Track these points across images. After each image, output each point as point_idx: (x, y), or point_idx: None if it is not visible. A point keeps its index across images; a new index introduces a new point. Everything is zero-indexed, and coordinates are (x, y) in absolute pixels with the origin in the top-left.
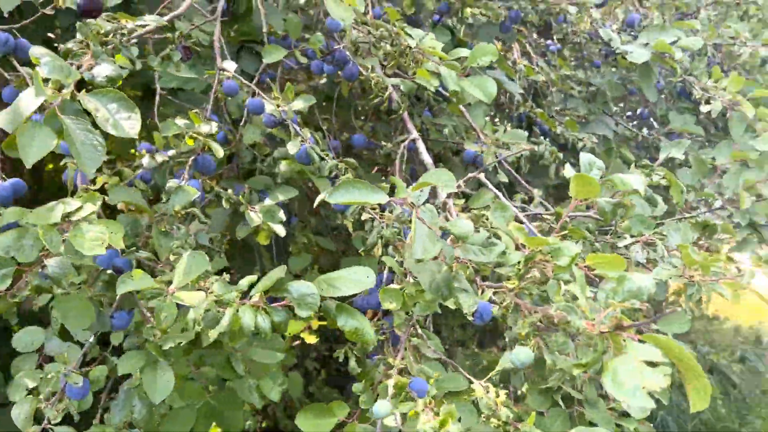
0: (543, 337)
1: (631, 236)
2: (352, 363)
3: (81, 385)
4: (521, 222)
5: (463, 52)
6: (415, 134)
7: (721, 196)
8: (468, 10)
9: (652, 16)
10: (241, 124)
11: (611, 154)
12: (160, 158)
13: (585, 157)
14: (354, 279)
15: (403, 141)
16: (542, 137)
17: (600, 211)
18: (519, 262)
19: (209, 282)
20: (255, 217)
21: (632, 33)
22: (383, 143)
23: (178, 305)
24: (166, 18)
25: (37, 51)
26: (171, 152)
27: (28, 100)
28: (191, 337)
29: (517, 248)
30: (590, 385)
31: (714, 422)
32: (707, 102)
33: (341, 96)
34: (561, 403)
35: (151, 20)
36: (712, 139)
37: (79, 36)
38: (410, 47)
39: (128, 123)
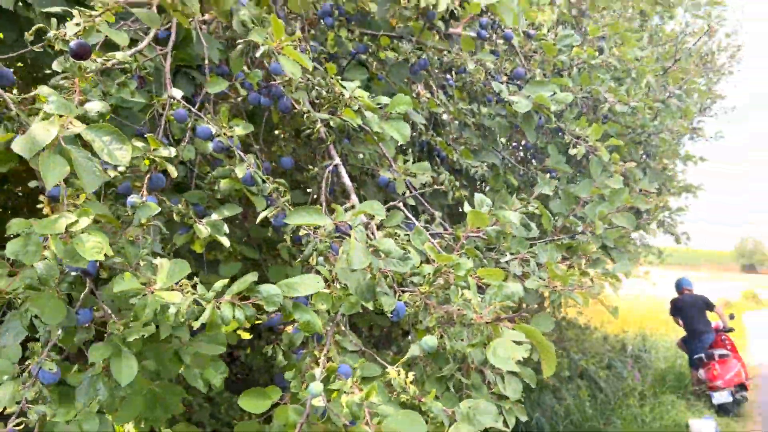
0: (444, 328)
1: (511, 254)
2: (280, 357)
3: (55, 371)
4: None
5: (385, 99)
6: (337, 160)
7: (583, 222)
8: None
9: (534, 71)
10: (184, 143)
11: (498, 179)
12: (112, 173)
13: (478, 197)
14: (309, 283)
15: (327, 166)
16: (440, 163)
17: (487, 236)
18: (430, 273)
19: (183, 284)
20: (203, 229)
21: (518, 83)
22: (310, 167)
23: None
24: (129, 53)
25: (45, 90)
26: (121, 168)
27: (43, 132)
28: (153, 330)
29: (427, 261)
30: (475, 374)
31: (582, 422)
32: (574, 146)
33: (268, 120)
34: (452, 388)
35: (119, 56)
36: (583, 171)
37: (56, 67)
38: (343, 95)
39: (120, 153)
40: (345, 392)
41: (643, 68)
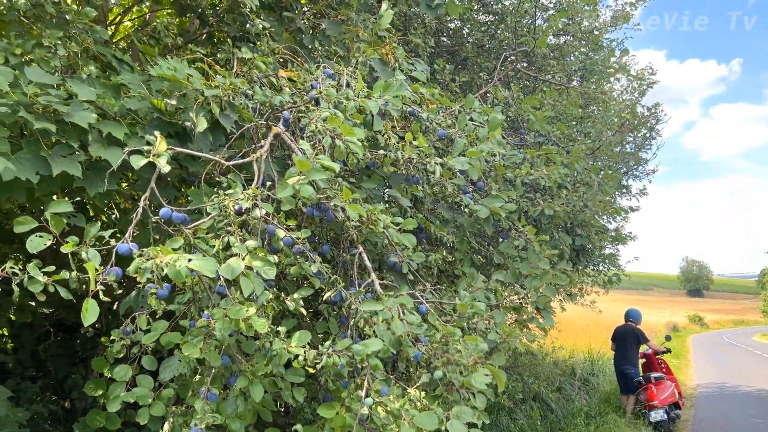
0: (446, 366)
1: (478, 316)
2: (330, 384)
3: (217, 394)
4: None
5: (399, 219)
6: (361, 249)
7: (524, 290)
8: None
9: (490, 184)
10: (266, 243)
11: (464, 243)
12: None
13: (462, 294)
14: (376, 344)
15: (354, 253)
16: (420, 232)
17: (468, 315)
18: (438, 337)
19: (297, 340)
20: (291, 303)
21: (480, 192)
22: (343, 254)
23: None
24: (246, 203)
25: (231, 239)
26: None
27: (236, 264)
28: (271, 369)
29: (435, 327)
30: (456, 393)
31: None
32: (517, 238)
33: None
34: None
35: (256, 213)
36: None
37: (210, 210)
38: (378, 220)
39: (270, 271)
40: (383, 404)
41: (553, 180)
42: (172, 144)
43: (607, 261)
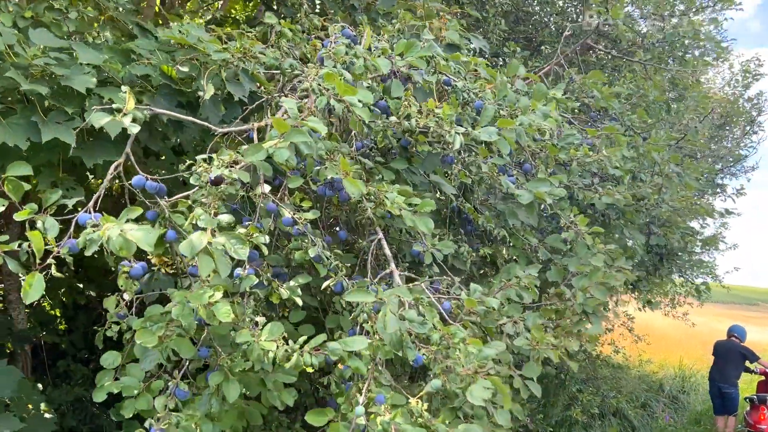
0: (447, 375)
1: (508, 317)
2: (333, 387)
3: (186, 390)
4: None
5: (416, 200)
6: (380, 235)
7: (570, 290)
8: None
9: (538, 166)
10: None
11: (518, 240)
12: None
13: (473, 286)
14: (359, 342)
15: (373, 239)
16: (467, 224)
17: (478, 314)
18: (439, 337)
19: (278, 337)
20: (284, 292)
21: (526, 176)
22: (360, 240)
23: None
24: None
25: (198, 211)
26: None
27: (198, 240)
28: (250, 365)
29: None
30: (478, 408)
31: None
32: (567, 230)
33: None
34: (461, 416)
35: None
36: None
37: (193, 182)
38: (387, 198)
39: (242, 250)
40: (379, 414)
41: (624, 169)
42: (183, 115)
43: (695, 268)
